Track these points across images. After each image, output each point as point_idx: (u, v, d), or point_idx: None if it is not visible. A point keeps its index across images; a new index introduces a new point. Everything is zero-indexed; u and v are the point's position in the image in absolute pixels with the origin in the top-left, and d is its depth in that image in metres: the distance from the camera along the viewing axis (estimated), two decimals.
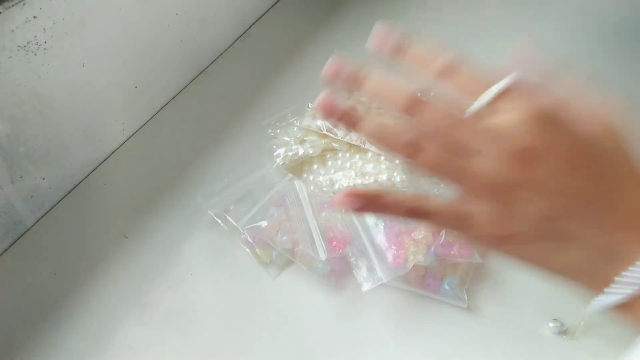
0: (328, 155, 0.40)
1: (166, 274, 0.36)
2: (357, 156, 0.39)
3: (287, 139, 0.41)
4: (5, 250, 0.37)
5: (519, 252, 0.26)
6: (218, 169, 0.42)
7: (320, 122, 0.40)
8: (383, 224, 0.36)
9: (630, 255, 0.25)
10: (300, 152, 0.40)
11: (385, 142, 0.27)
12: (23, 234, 0.38)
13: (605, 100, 0.27)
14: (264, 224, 0.36)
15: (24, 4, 0.33)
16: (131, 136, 0.46)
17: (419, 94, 0.26)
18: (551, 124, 0.26)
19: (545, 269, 0.26)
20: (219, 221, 0.37)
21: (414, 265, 0.33)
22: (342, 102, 0.28)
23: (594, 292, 0.25)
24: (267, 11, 0.61)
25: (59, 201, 0.41)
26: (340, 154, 0.40)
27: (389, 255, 0.34)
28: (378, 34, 0.28)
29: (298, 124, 0.42)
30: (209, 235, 0.37)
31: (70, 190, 0.41)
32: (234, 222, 0.36)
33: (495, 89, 0.26)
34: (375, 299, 0.34)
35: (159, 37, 0.45)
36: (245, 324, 0.33)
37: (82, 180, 0.42)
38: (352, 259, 0.34)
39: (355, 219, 0.36)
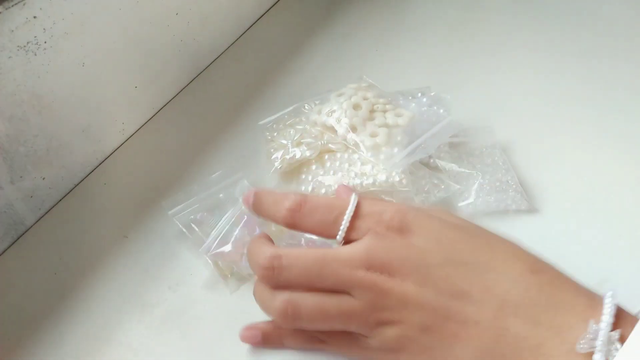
0: (327, 157, 0.40)
1: (166, 274, 0.36)
2: (356, 156, 0.39)
3: (285, 141, 0.41)
4: (5, 250, 0.37)
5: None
6: (218, 169, 0.42)
7: (325, 118, 0.40)
8: None
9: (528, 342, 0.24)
10: (298, 154, 0.39)
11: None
12: (23, 234, 0.38)
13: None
14: (227, 248, 0.35)
15: (24, 4, 0.33)
16: (131, 136, 0.46)
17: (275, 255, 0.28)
18: (405, 230, 0.27)
19: None
20: (186, 231, 0.36)
21: None
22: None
23: None
24: (267, 11, 0.61)
25: (59, 201, 0.41)
26: (339, 155, 0.39)
27: None
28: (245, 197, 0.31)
29: (300, 126, 0.42)
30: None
31: (70, 190, 0.41)
32: (200, 238, 0.36)
33: (346, 219, 0.28)
34: None
35: (159, 37, 0.45)
36: (245, 324, 0.33)
37: (82, 180, 0.42)
38: None
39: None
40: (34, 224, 0.39)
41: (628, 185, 0.39)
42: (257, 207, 0.31)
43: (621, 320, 0.24)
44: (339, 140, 0.40)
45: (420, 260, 0.26)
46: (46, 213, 0.40)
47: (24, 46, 0.34)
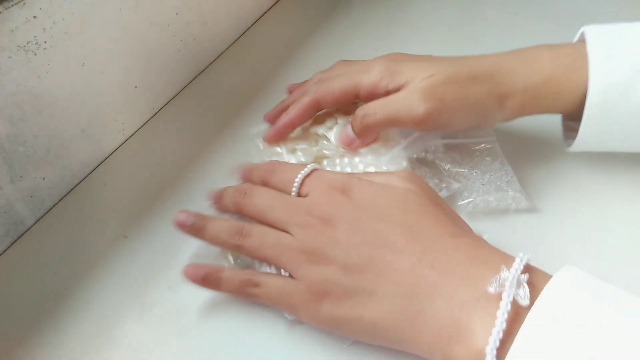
0: (325, 162, 0.39)
1: (166, 274, 0.36)
2: (357, 159, 0.39)
3: (279, 149, 0.40)
4: (5, 250, 0.37)
5: (334, 310, 0.29)
6: (218, 169, 0.42)
7: (316, 128, 0.40)
8: None
9: (433, 289, 0.27)
10: (293, 161, 0.39)
11: (218, 240, 0.33)
12: (23, 234, 0.38)
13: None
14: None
15: (24, 4, 0.33)
16: (131, 136, 0.46)
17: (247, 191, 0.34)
18: (347, 191, 0.31)
19: (361, 324, 0.28)
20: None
21: None
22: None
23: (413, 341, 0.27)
24: (267, 11, 0.61)
25: (59, 201, 0.41)
26: (338, 160, 0.39)
27: None
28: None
29: (293, 134, 0.41)
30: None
31: (70, 190, 0.41)
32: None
33: (300, 177, 0.33)
34: None
35: (159, 37, 0.45)
36: (245, 324, 0.33)
37: (82, 180, 0.42)
38: None
39: None
40: (34, 224, 0.39)
41: (628, 184, 0.39)
42: (242, 175, 0.37)
43: (532, 272, 0.26)
44: (333, 147, 0.40)
45: (353, 213, 0.30)
46: (46, 213, 0.40)
47: (24, 46, 0.34)
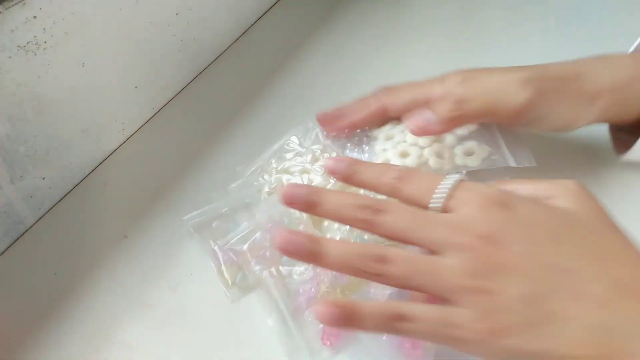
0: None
1: (166, 274, 0.36)
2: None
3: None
4: (5, 250, 0.37)
5: (517, 344, 0.24)
6: (218, 168, 0.42)
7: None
8: None
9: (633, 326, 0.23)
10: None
11: (353, 269, 0.27)
12: (23, 234, 0.38)
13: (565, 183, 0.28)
14: (243, 247, 0.35)
15: (24, 4, 0.33)
16: (131, 136, 0.46)
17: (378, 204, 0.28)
18: (509, 206, 0.26)
19: (545, 358, 0.24)
20: (197, 234, 0.36)
21: None
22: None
23: None
24: (267, 11, 0.61)
25: (59, 201, 0.41)
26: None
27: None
28: (328, 165, 0.30)
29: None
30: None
31: (70, 190, 0.41)
32: (211, 242, 0.36)
33: (446, 186, 0.27)
34: None
35: (159, 37, 0.45)
36: (245, 324, 0.33)
37: (82, 180, 0.42)
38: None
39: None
40: (34, 224, 0.39)
41: (629, 184, 0.39)
42: (353, 176, 0.30)
43: None
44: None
45: (523, 232, 0.25)
46: (46, 213, 0.40)
47: (24, 46, 0.34)
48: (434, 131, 0.35)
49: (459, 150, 0.38)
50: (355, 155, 0.39)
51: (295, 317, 0.32)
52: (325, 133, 0.39)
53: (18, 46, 0.33)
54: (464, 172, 0.37)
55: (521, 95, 0.33)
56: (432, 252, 0.26)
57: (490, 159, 0.37)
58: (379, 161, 0.37)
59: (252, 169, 0.40)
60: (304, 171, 0.39)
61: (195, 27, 0.49)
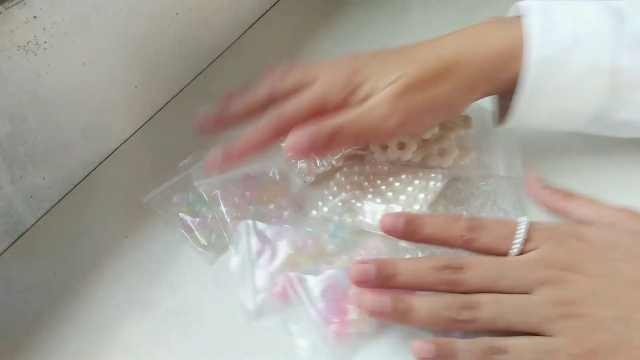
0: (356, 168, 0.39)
1: (166, 274, 0.36)
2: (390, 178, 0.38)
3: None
4: (5, 250, 0.37)
5: None
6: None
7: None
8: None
9: None
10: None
11: (439, 320, 0.28)
12: (23, 234, 0.38)
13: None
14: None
15: (24, 4, 0.33)
16: (131, 136, 0.46)
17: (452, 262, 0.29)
18: (582, 236, 0.28)
19: None
20: (161, 211, 0.38)
21: None
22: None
23: None
24: (267, 11, 0.61)
25: (59, 201, 0.41)
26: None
27: (330, 329, 0.31)
28: (386, 223, 0.31)
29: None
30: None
31: (70, 190, 0.41)
32: (179, 213, 0.37)
33: (522, 231, 0.29)
34: None
35: (159, 37, 0.45)
36: (246, 324, 0.33)
37: (82, 180, 0.42)
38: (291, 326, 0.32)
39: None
40: (34, 224, 0.39)
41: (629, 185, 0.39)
42: (417, 231, 0.30)
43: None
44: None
45: (603, 255, 0.27)
46: (46, 213, 0.40)
47: (24, 46, 0.34)
48: (307, 155, 0.34)
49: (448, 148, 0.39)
50: None
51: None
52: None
53: (18, 46, 0.33)
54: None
55: (391, 121, 0.33)
56: (521, 294, 0.27)
57: (482, 165, 0.39)
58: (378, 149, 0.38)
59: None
60: None
61: (195, 27, 0.49)
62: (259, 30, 0.59)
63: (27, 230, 0.39)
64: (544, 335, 0.26)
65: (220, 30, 0.54)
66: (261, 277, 0.33)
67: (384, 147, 0.38)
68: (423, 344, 0.27)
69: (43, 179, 0.39)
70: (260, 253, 0.34)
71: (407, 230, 0.30)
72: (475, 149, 0.39)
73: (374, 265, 0.29)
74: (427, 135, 0.38)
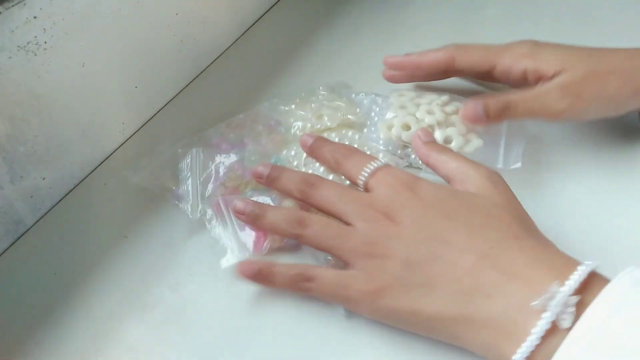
0: (350, 132, 0.42)
1: (166, 274, 0.36)
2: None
3: (303, 112, 0.43)
4: (5, 250, 0.37)
5: (393, 303, 0.29)
6: None
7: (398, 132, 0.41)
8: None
9: (489, 289, 0.27)
10: (318, 125, 0.42)
11: (278, 229, 0.33)
12: (23, 234, 0.38)
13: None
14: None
15: (24, 4, 0.33)
16: (131, 136, 0.46)
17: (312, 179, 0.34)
18: (414, 188, 0.32)
19: (419, 318, 0.28)
20: (148, 186, 0.39)
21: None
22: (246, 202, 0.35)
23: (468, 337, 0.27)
24: (267, 11, 0.61)
25: (59, 201, 0.41)
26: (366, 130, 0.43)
27: (249, 240, 0.35)
28: (256, 171, 0.37)
29: (317, 103, 0.44)
30: (209, 235, 0.37)
31: (70, 190, 0.41)
32: (170, 185, 0.39)
33: (369, 169, 0.33)
34: None
35: (159, 37, 0.45)
36: (246, 324, 0.33)
37: (82, 180, 0.42)
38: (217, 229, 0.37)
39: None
40: (34, 224, 0.39)
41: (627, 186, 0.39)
42: (315, 151, 0.38)
43: (592, 289, 0.25)
44: (357, 111, 0.43)
45: (418, 210, 0.30)
46: (46, 213, 0.40)
47: (24, 46, 0.34)
48: (479, 123, 0.39)
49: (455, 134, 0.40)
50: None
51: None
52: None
53: (18, 46, 0.33)
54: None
55: (559, 104, 0.37)
56: (347, 223, 0.32)
57: (483, 152, 0.40)
58: (384, 127, 0.41)
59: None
60: None
61: (195, 27, 0.49)
62: (259, 30, 0.59)
63: (27, 230, 0.39)
64: (349, 267, 0.30)
65: (220, 30, 0.54)
66: (204, 192, 0.38)
67: (390, 127, 0.40)
68: (247, 264, 0.32)
69: (43, 179, 0.39)
70: (207, 174, 0.39)
71: (272, 175, 0.36)
72: (481, 139, 0.40)
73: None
74: (433, 122, 0.40)
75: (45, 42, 0.35)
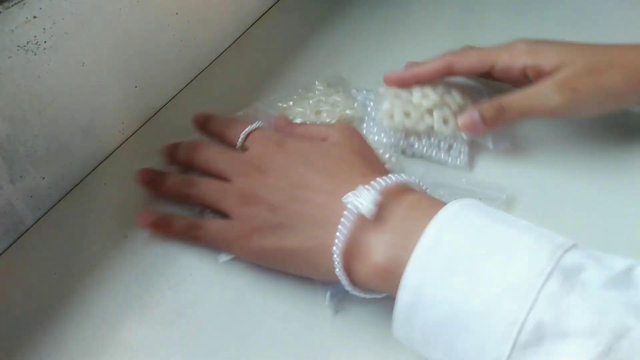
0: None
1: (166, 274, 0.36)
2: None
3: (301, 109, 0.44)
4: (5, 250, 0.37)
5: (262, 243, 0.33)
6: None
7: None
8: None
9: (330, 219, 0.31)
10: (317, 122, 0.43)
11: (173, 190, 0.38)
12: (23, 234, 0.38)
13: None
14: None
15: (24, 4, 0.33)
16: (131, 136, 0.46)
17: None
18: (282, 144, 0.36)
19: (284, 253, 0.32)
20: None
21: None
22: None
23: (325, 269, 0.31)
24: (267, 11, 0.61)
25: (59, 201, 0.41)
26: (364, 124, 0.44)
27: None
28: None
29: (315, 98, 0.45)
30: None
31: (70, 190, 0.41)
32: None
33: (245, 131, 0.39)
34: None
35: (159, 37, 0.45)
36: (246, 324, 0.33)
37: (82, 180, 0.42)
38: None
39: None
40: (34, 224, 0.39)
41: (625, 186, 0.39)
42: (206, 126, 0.43)
43: (402, 198, 0.30)
44: (355, 106, 0.44)
45: (283, 161, 0.35)
46: (46, 213, 0.40)
47: (24, 46, 0.34)
48: (481, 131, 0.41)
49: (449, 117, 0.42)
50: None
51: None
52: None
53: (18, 46, 0.33)
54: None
55: (555, 99, 0.38)
56: (227, 180, 0.36)
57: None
58: (386, 117, 0.42)
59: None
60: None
61: (195, 27, 0.49)
62: (259, 30, 0.59)
63: (27, 230, 0.39)
64: (230, 218, 0.35)
65: (220, 30, 0.54)
66: None
67: (391, 116, 0.41)
68: (147, 215, 0.37)
69: (43, 179, 0.39)
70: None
71: (201, 123, 0.43)
72: None
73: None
74: (430, 104, 0.41)
75: (45, 42, 0.35)
